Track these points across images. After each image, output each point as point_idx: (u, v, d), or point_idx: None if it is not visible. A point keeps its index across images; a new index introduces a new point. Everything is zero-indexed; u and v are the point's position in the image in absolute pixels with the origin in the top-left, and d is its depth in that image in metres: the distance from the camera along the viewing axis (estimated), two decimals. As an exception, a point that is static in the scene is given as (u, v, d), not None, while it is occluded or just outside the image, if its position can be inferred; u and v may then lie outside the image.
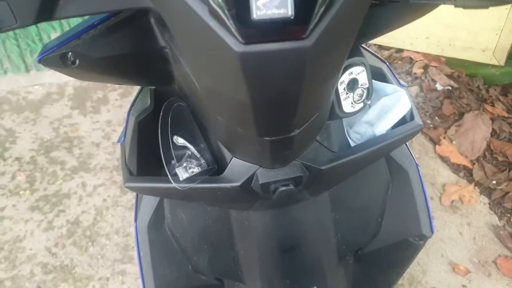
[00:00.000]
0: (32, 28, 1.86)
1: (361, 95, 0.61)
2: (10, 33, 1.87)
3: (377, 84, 0.71)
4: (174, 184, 0.63)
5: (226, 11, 0.34)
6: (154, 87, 0.75)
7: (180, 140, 0.69)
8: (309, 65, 0.38)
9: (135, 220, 0.78)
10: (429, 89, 2.15)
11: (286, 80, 0.39)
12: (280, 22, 0.34)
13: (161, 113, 0.73)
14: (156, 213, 0.78)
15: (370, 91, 0.61)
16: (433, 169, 1.82)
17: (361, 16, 0.40)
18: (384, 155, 0.75)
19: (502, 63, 2.06)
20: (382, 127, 0.66)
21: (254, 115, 0.43)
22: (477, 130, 1.91)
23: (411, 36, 2.26)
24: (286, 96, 0.41)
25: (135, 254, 1.50)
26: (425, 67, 2.24)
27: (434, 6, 0.56)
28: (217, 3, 0.34)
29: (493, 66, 2.09)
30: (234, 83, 0.40)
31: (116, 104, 1.96)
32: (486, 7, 0.45)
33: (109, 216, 1.59)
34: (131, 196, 1.64)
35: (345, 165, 0.64)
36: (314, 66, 0.38)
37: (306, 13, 0.34)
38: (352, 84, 0.60)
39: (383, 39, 2.35)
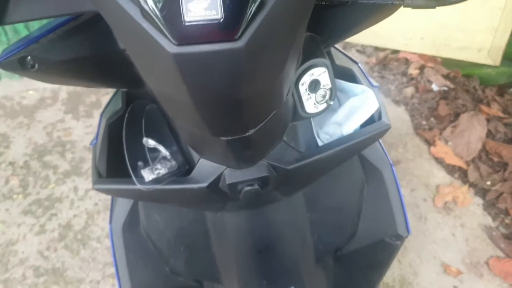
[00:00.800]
0: (24, 31, 1.87)
1: (324, 96, 0.61)
2: (4, 39, 1.88)
3: (346, 84, 0.71)
4: (138, 186, 0.63)
5: (157, 13, 0.34)
6: (125, 89, 0.75)
7: (150, 142, 0.69)
8: (244, 65, 0.37)
9: (110, 222, 0.78)
10: (425, 90, 2.14)
11: (223, 81, 0.39)
12: (211, 24, 0.34)
13: (126, 115, 0.73)
14: (131, 215, 0.78)
15: (333, 92, 0.61)
16: (428, 171, 1.80)
17: (301, 17, 0.40)
18: (353, 155, 0.74)
19: (498, 63, 2.04)
20: (350, 127, 0.66)
21: (201, 116, 0.43)
22: (472, 131, 1.90)
23: (406, 37, 2.25)
24: (226, 97, 0.41)
25: (126, 257, 1.51)
26: (421, 68, 2.23)
27: (392, 8, 0.56)
28: (149, 5, 0.34)
29: (488, 66, 2.08)
30: (174, 84, 0.40)
31: (110, 108, 1.97)
32: (433, 7, 0.45)
33: (100, 220, 1.60)
34: (123, 199, 1.64)
35: (312, 165, 0.64)
36: (250, 66, 0.38)
37: (236, 15, 0.34)
38: (314, 85, 0.59)
39: (379, 40, 2.34)
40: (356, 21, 0.59)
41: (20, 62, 0.52)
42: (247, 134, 0.50)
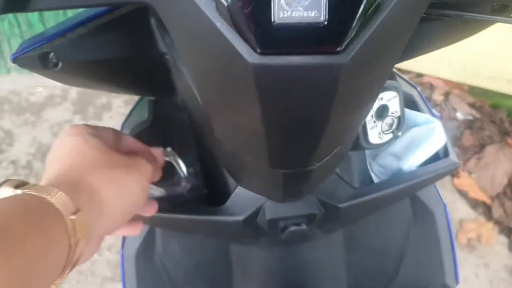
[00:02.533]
0: (38, 26, 1.79)
1: (391, 125, 0.52)
2: (16, 31, 1.80)
3: (407, 112, 0.62)
4: (168, 215, 0.54)
5: (238, 10, 0.25)
6: (152, 98, 0.67)
7: (168, 151, 0.61)
8: (342, 87, 0.28)
9: (122, 246, 0.69)
10: (449, 118, 2.05)
11: (311, 104, 0.29)
12: (309, 28, 0.25)
13: (150, 125, 0.65)
14: (146, 240, 0.69)
15: (401, 120, 0.52)
16: (450, 203, 1.71)
17: (411, 28, 0.31)
18: (411, 193, 0.65)
19: (528, 96, 1.96)
20: (412, 162, 0.57)
21: (268, 144, 0.34)
22: (498, 165, 1.81)
23: (432, 61, 2.16)
24: (309, 124, 0.32)
25: (126, 273, 1.41)
26: (446, 95, 2.14)
27: (488, 23, 0.47)
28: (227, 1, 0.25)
29: (518, 98, 1.99)
30: (246, 104, 0.30)
31: (120, 111, 1.88)
32: None
33: (103, 229, 1.50)
34: (128, 210, 1.55)
35: (366, 204, 0.55)
36: (347, 88, 0.29)
37: (344, 19, 0.25)
38: (382, 111, 0.50)
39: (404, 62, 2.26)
40: (437, 38, 0.50)
41: (41, 58, 0.43)
42: (309, 168, 0.41)
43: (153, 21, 0.46)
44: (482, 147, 1.90)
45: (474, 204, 1.72)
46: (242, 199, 0.54)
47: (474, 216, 1.66)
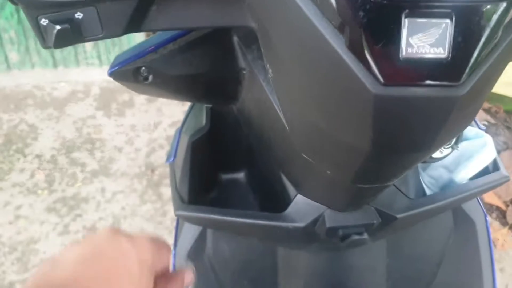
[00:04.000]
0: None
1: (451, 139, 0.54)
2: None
3: (457, 125, 0.64)
4: (231, 218, 0.57)
5: (369, 46, 0.27)
6: (211, 105, 0.69)
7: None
8: (453, 117, 0.31)
9: (174, 247, 0.72)
10: (464, 123, 2.07)
11: (422, 130, 0.32)
12: (433, 63, 0.28)
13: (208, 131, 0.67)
14: (198, 241, 0.71)
15: (460, 134, 0.55)
16: (466, 207, 1.73)
17: None
18: (460, 204, 0.68)
19: (543, 103, 1.98)
20: (464, 175, 0.60)
21: (363, 164, 0.37)
22: (513, 170, 1.83)
23: (449, 66, 2.18)
24: (413, 147, 0.34)
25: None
26: (461, 99, 2.16)
27: None
28: (357, 36, 0.28)
29: (533, 104, 2.01)
30: (355, 127, 0.33)
31: (142, 109, 1.91)
32: None
33: (127, 225, 1.53)
34: (150, 206, 1.58)
35: (421, 214, 0.58)
36: (457, 118, 0.32)
37: (466, 56, 0.28)
38: None
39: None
40: None
41: (134, 73, 0.46)
42: (388, 183, 0.44)
43: (235, 39, 0.48)
44: (497, 153, 1.92)
45: (489, 208, 1.75)
46: (303, 207, 0.57)
47: (489, 221, 1.68)
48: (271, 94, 0.45)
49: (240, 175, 0.76)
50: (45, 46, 0.35)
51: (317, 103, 0.35)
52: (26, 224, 1.51)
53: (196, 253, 0.72)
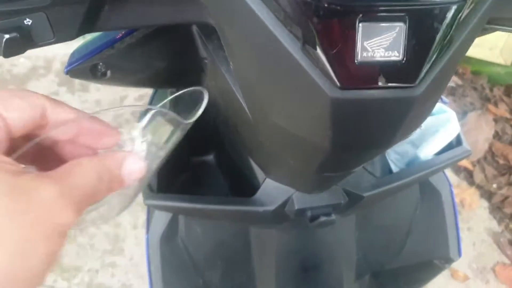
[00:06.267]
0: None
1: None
2: None
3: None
4: (199, 205, 0.57)
5: (324, 51, 0.27)
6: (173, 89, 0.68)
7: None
8: (410, 115, 0.31)
9: (147, 231, 0.72)
10: (432, 85, 2.10)
11: (380, 129, 0.32)
12: (388, 66, 0.27)
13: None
14: (170, 225, 0.71)
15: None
16: (434, 169, 1.78)
17: (470, 46, 0.34)
18: (426, 179, 0.69)
19: (509, 63, 2.01)
20: (428, 151, 0.61)
21: (326, 158, 0.37)
22: (479, 131, 1.88)
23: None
24: (373, 144, 0.34)
25: (125, 246, 1.44)
26: (429, 61, 2.18)
27: None
28: (312, 41, 0.27)
29: (498, 65, 2.05)
30: (315, 127, 0.33)
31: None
32: None
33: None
34: (122, 183, 1.56)
35: (387, 192, 0.59)
36: (414, 116, 0.32)
37: (420, 57, 0.28)
38: None
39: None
40: None
41: (91, 69, 0.44)
42: (353, 170, 0.44)
43: (194, 28, 0.47)
44: (464, 113, 1.96)
45: (457, 169, 1.80)
46: (271, 190, 0.57)
47: (457, 182, 1.74)
48: (234, 85, 0.44)
49: (209, 158, 0.76)
50: None
51: (276, 103, 0.34)
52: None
53: (168, 236, 0.72)
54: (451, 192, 0.74)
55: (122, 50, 0.43)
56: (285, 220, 0.60)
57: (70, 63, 0.44)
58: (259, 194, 0.57)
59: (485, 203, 1.67)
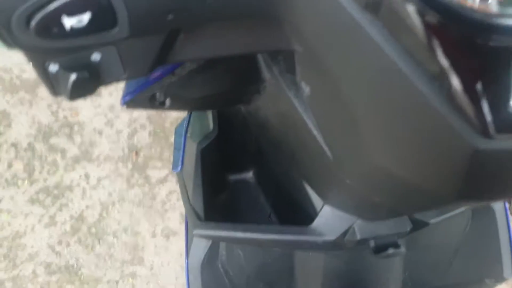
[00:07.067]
0: None
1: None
2: None
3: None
4: (256, 235, 0.53)
5: (471, 94, 0.23)
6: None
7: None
8: None
9: (187, 256, 0.69)
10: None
11: None
12: None
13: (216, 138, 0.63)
14: (211, 250, 0.68)
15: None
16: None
17: None
18: None
19: None
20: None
21: (438, 205, 0.33)
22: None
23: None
24: (504, 196, 0.31)
25: (145, 255, 1.41)
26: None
27: None
28: (458, 85, 0.23)
29: None
30: (439, 177, 0.29)
31: (119, 87, 1.79)
32: None
33: (116, 212, 1.48)
34: (138, 190, 1.53)
35: (450, 217, 0.56)
36: None
37: None
38: None
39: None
40: None
41: (150, 100, 0.41)
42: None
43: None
44: None
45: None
46: (330, 218, 0.54)
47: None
48: (304, 112, 0.40)
49: (248, 175, 0.73)
50: (57, 96, 0.29)
51: (385, 146, 0.30)
52: (9, 218, 1.44)
53: (209, 261, 0.69)
54: (506, 209, 0.71)
55: (183, 78, 0.40)
56: (342, 249, 0.57)
57: (126, 94, 0.41)
58: (318, 222, 0.54)
59: (508, 204, 1.64)
